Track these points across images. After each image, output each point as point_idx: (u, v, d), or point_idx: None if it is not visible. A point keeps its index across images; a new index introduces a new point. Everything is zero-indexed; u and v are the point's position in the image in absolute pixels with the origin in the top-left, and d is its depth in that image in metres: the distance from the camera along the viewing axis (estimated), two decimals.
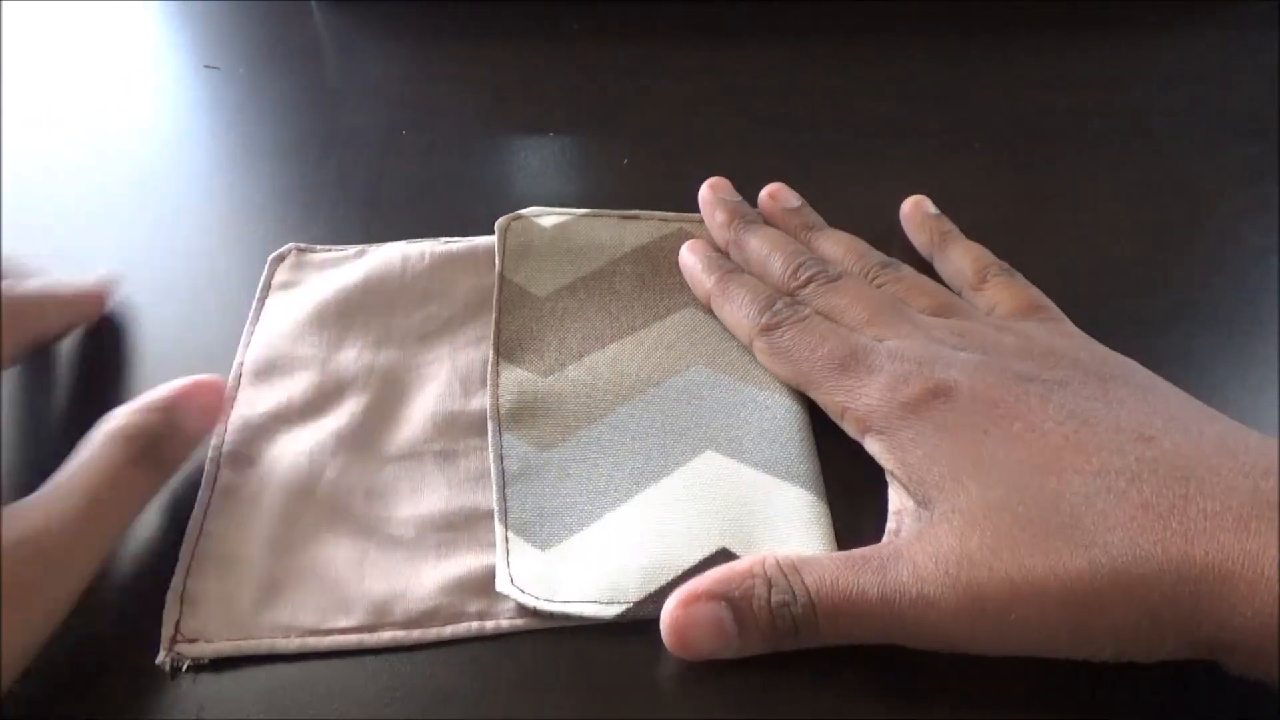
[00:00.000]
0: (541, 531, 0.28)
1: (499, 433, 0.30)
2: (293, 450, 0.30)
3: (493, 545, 0.28)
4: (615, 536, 0.28)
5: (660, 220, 0.36)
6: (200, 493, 0.29)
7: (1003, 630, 0.23)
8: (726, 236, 0.35)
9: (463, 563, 0.27)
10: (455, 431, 0.31)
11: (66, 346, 0.34)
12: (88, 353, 0.34)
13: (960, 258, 0.34)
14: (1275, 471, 0.23)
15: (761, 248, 0.34)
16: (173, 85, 0.45)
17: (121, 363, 0.33)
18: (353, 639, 0.26)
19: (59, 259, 0.37)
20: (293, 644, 0.26)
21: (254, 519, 0.28)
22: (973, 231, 0.36)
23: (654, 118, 0.43)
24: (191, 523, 0.28)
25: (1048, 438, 0.25)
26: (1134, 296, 0.35)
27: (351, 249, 0.36)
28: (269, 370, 0.32)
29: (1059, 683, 0.25)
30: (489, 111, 0.43)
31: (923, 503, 0.26)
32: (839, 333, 0.30)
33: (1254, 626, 0.21)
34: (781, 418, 0.30)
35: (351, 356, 0.32)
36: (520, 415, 0.31)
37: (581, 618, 0.26)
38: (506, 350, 0.32)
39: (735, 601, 0.24)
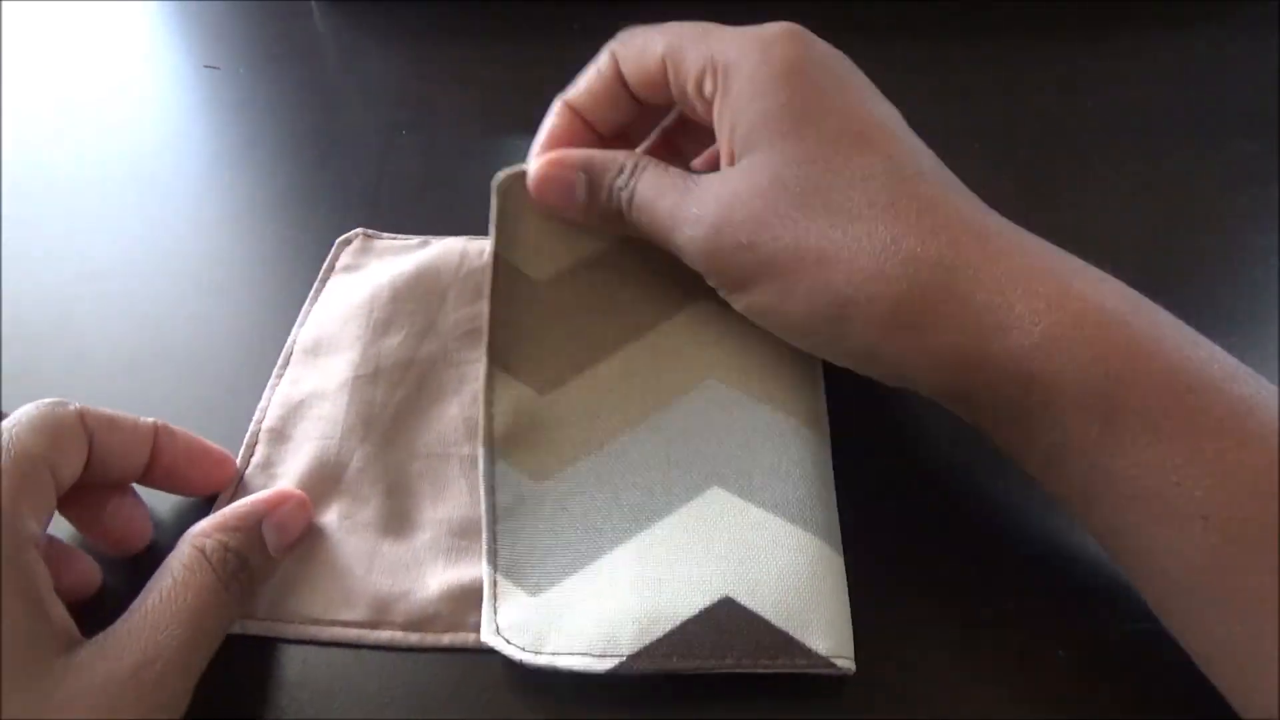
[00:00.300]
0: (532, 574, 0.26)
1: (491, 461, 0.28)
2: (324, 433, 0.30)
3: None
4: (611, 581, 0.26)
5: None
6: (236, 462, 0.29)
7: (744, 284, 0.26)
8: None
9: (470, 572, 0.27)
10: None
11: (84, 342, 0.34)
12: (88, 351, 0.34)
13: None
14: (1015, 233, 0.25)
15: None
16: (173, 85, 0.45)
17: (120, 361, 0.33)
18: (352, 633, 0.26)
19: (56, 257, 0.37)
20: (293, 630, 0.26)
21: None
22: None
23: (653, 117, 0.43)
24: (221, 495, 0.29)
25: (867, 117, 0.26)
26: None
27: (415, 239, 0.36)
28: (315, 350, 0.32)
29: (1059, 683, 0.25)
30: (489, 111, 0.43)
31: (741, 149, 0.26)
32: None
33: (970, 324, 0.23)
34: (796, 451, 0.28)
35: (394, 344, 0.32)
36: (516, 440, 0.29)
37: (572, 671, 0.24)
38: (502, 355, 0.30)
39: (592, 176, 0.29)
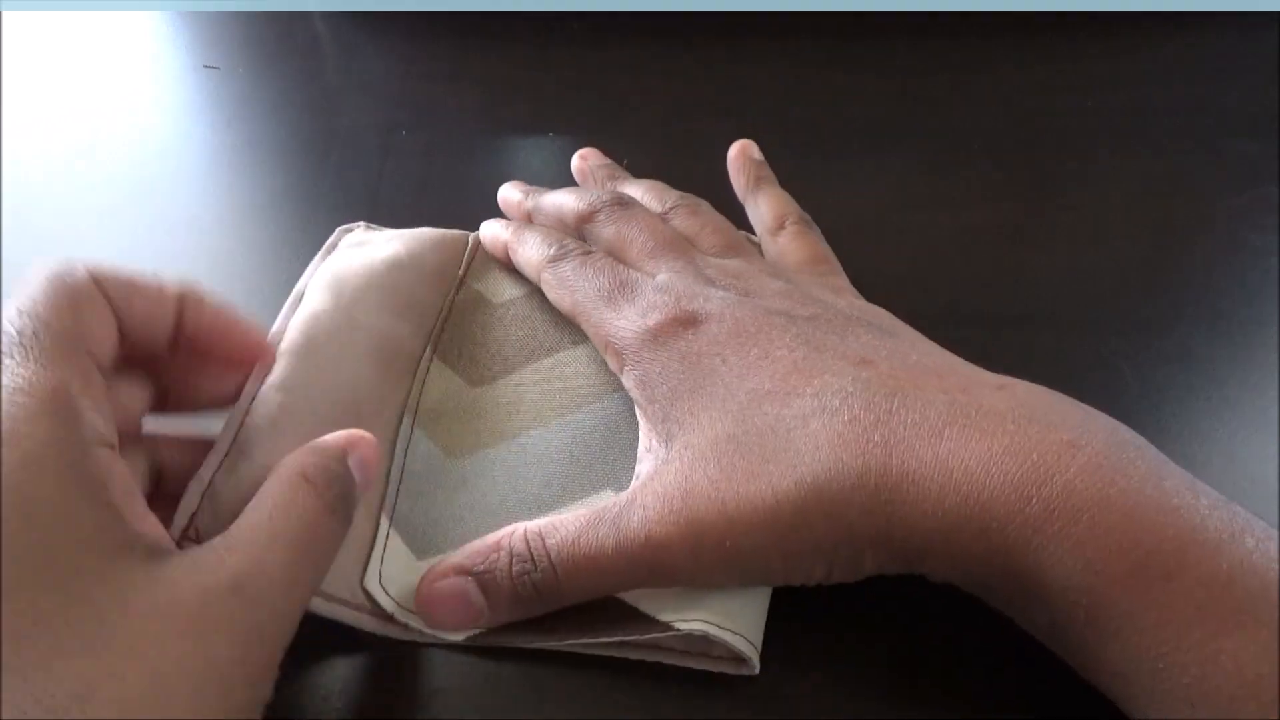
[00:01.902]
0: (421, 538, 0.27)
1: (411, 427, 0.29)
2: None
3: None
4: None
5: None
6: (249, 383, 0.26)
7: (724, 561, 0.24)
8: (526, 206, 0.36)
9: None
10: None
11: None
12: None
13: (765, 204, 0.35)
14: (972, 387, 0.24)
15: (557, 197, 0.34)
16: (173, 86, 0.45)
17: None
18: (348, 614, 0.25)
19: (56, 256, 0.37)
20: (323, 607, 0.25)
21: (295, 439, 0.25)
22: (973, 232, 0.36)
23: (653, 118, 0.43)
24: (235, 411, 0.26)
25: (778, 364, 0.26)
26: (1134, 296, 0.35)
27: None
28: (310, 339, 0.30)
29: (1058, 685, 0.25)
30: (489, 111, 0.43)
31: (664, 442, 0.26)
32: (616, 267, 0.30)
33: (944, 528, 0.22)
34: None
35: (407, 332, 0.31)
36: (438, 418, 0.30)
37: (435, 635, 0.25)
38: (444, 351, 0.32)
39: (480, 576, 0.25)
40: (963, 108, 0.43)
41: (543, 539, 0.25)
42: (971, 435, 0.22)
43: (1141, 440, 0.23)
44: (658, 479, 0.25)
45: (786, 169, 0.37)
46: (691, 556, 0.24)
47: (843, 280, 0.32)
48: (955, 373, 0.25)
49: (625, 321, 0.28)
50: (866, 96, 0.44)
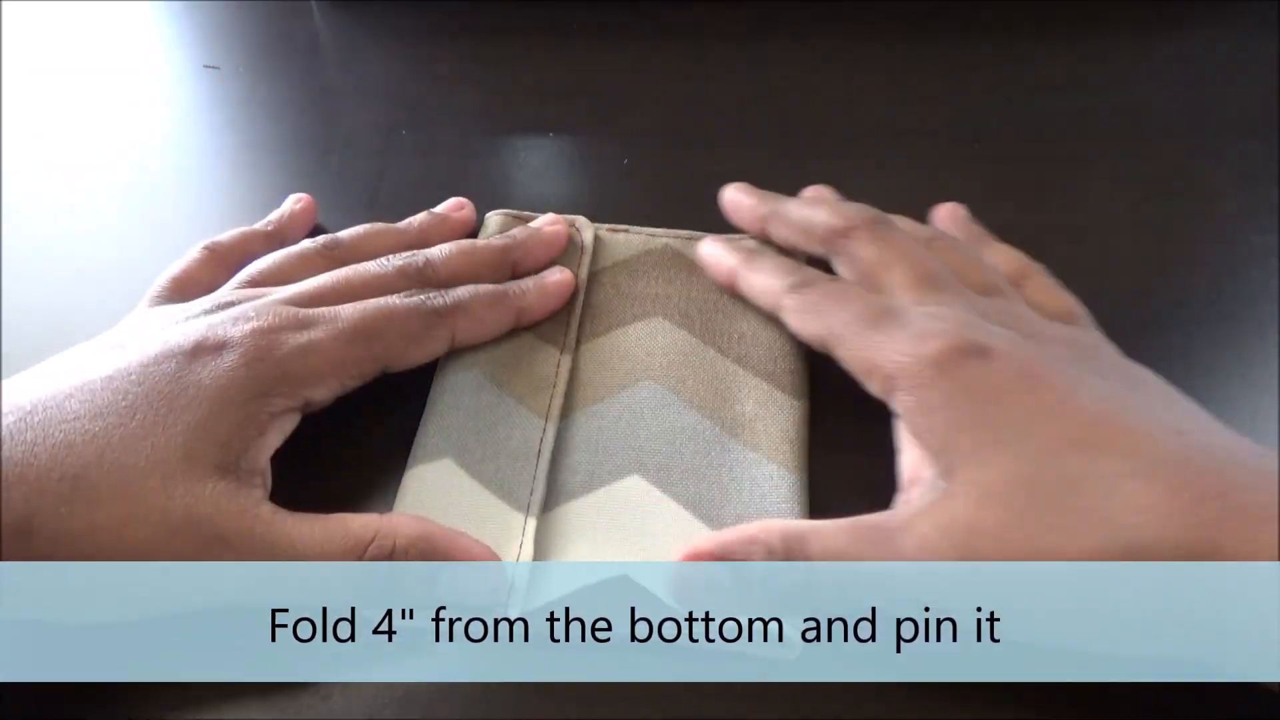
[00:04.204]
0: (444, 521, 0.27)
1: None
2: None
3: None
4: (518, 545, 0.27)
5: (648, 235, 0.35)
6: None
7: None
8: (761, 212, 0.33)
9: None
10: None
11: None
12: None
13: (997, 255, 0.33)
14: None
15: (803, 209, 0.32)
16: (173, 85, 0.45)
17: None
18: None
19: (56, 257, 0.37)
20: None
21: None
22: None
23: (654, 118, 0.43)
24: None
25: (1081, 414, 0.24)
26: (1134, 296, 0.35)
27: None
28: None
29: (1062, 689, 0.25)
30: (489, 111, 0.43)
31: (943, 473, 0.25)
32: (875, 295, 0.29)
33: (1254, 607, 0.22)
34: (716, 455, 0.29)
35: None
36: (458, 430, 0.30)
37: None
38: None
39: (733, 560, 0.25)
40: (964, 107, 0.43)
41: (804, 544, 0.24)
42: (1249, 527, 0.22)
43: None
44: (940, 510, 0.24)
45: (786, 169, 0.37)
46: None
47: (1099, 334, 0.30)
48: (1269, 454, 0.24)
49: (900, 347, 0.26)
50: (868, 96, 0.44)
